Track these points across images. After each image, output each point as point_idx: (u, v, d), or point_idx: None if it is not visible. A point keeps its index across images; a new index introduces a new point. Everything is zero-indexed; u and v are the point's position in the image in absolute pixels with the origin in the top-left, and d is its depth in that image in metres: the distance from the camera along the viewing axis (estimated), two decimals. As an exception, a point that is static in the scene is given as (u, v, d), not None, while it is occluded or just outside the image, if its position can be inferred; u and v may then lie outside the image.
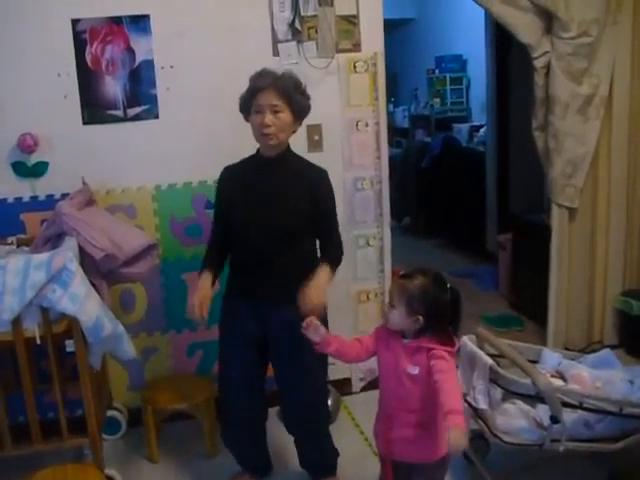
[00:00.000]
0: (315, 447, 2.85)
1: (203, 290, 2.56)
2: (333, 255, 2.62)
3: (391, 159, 3.76)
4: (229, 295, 2.72)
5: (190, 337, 3.47)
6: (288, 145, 2.61)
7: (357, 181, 3.50)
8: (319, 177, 2.62)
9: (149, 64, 3.18)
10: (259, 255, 2.55)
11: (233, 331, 2.68)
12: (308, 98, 2.59)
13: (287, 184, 2.56)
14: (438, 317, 2.11)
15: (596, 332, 4.09)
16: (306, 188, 2.56)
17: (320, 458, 2.87)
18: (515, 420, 2.63)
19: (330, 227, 2.65)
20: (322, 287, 2.44)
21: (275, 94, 2.46)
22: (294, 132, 2.61)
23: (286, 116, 2.49)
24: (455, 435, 1.88)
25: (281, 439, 3.13)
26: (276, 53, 3.26)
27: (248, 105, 2.53)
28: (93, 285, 2.65)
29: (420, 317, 2.10)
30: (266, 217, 2.52)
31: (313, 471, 2.90)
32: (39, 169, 3.15)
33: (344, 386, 3.62)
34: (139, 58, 3.17)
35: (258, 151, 2.62)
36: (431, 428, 2.18)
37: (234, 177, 2.65)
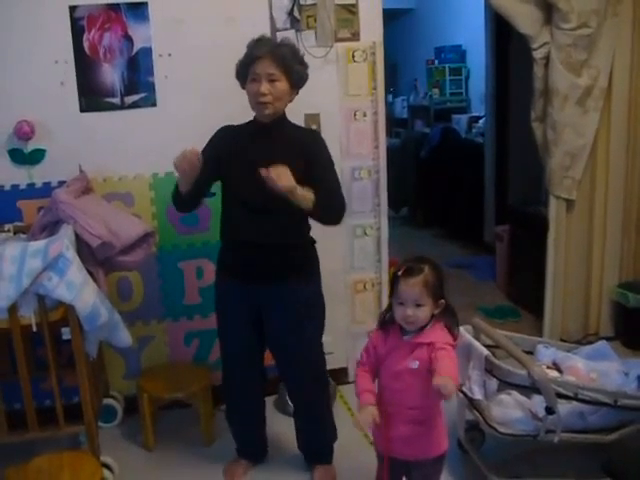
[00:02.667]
0: (315, 421, 2.85)
1: None
2: (330, 203, 2.53)
3: (389, 149, 3.75)
4: (221, 272, 2.73)
5: (187, 325, 3.47)
6: (284, 112, 2.59)
7: (355, 171, 3.50)
8: (313, 140, 2.61)
9: (147, 52, 3.17)
10: (250, 230, 2.54)
11: (228, 308, 2.70)
12: (306, 67, 2.57)
13: (281, 150, 2.53)
14: (444, 291, 2.16)
15: (592, 324, 4.10)
16: (300, 153, 2.52)
17: (319, 436, 2.88)
18: (510, 411, 2.63)
19: (333, 188, 2.57)
20: (288, 173, 2.32)
21: (272, 63, 2.43)
22: (291, 101, 2.59)
23: (283, 85, 2.47)
24: (444, 380, 1.92)
25: (278, 429, 3.15)
26: (275, 42, 3.25)
27: (245, 72, 2.51)
28: (90, 273, 2.65)
29: (442, 300, 2.14)
30: (258, 182, 2.48)
31: (310, 454, 2.92)
32: (36, 156, 3.14)
33: (340, 376, 3.62)
34: (137, 46, 3.15)
35: (255, 117, 2.60)
36: (429, 425, 2.19)
37: (229, 138, 2.63)
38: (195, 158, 2.38)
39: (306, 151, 2.54)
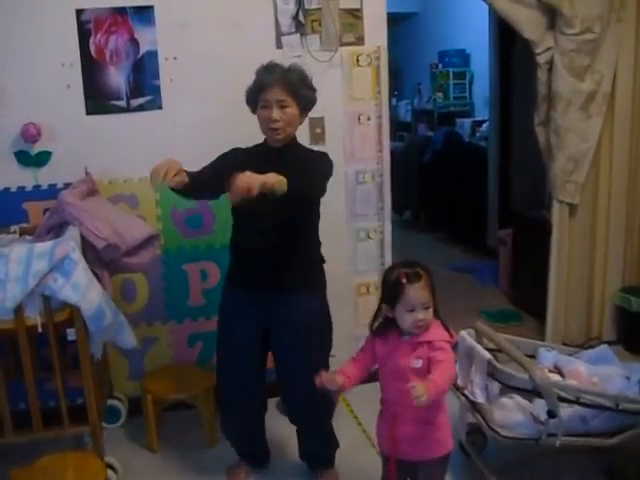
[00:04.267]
0: (316, 436, 2.86)
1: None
2: (300, 180, 2.39)
3: (393, 153, 3.76)
4: (230, 285, 2.74)
5: (190, 327, 3.49)
6: (295, 136, 2.63)
7: (358, 174, 3.51)
8: (320, 159, 2.63)
9: (153, 55, 3.19)
10: (261, 243, 2.56)
11: (234, 320, 2.69)
12: (314, 91, 2.61)
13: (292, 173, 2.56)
14: None
15: (595, 328, 4.10)
16: None
17: (320, 449, 2.89)
18: (512, 414, 2.65)
19: (310, 171, 2.51)
20: (257, 177, 2.21)
21: (282, 90, 2.47)
22: (300, 124, 2.62)
23: (293, 110, 2.51)
24: (419, 390, 1.95)
25: (280, 431, 3.15)
26: (280, 46, 3.27)
27: (255, 99, 2.55)
28: (95, 274, 2.67)
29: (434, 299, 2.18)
30: (269, 205, 2.52)
31: (312, 462, 2.93)
32: (42, 158, 3.16)
33: (343, 378, 3.63)
34: (143, 49, 3.18)
35: (265, 140, 2.63)
36: (435, 424, 2.21)
37: (241, 161, 2.62)
38: (173, 176, 2.38)
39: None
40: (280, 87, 2.47)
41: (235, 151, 2.70)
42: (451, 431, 2.29)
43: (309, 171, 2.51)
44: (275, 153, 2.59)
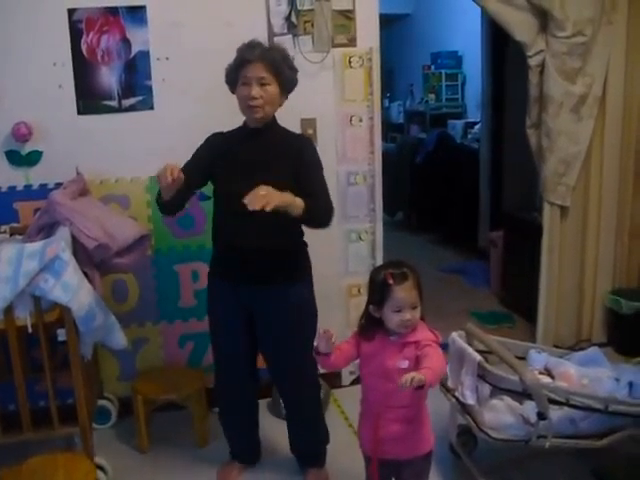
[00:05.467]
0: (308, 427, 2.87)
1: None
2: (318, 206, 2.49)
3: (385, 154, 3.76)
4: (213, 276, 2.74)
5: (181, 328, 3.48)
6: (274, 117, 2.61)
7: (350, 175, 3.52)
8: (302, 144, 2.63)
9: (145, 55, 3.18)
10: (242, 234, 2.54)
11: (221, 314, 2.71)
12: (296, 71, 2.59)
13: (271, 154, 2.55)
14: None
15: (585, 330, 4.12)
16: (290, 157, 2.55)
17: (311, 442, 2.90)
18: (502, 416, 2.65)
19: (319, 191, 2.54)
20: (271, 190, 2.28)
21: (263, 67, 2.46)
22: (280, 105, 2.60)
23: (273, 89, 2.49)
24: (414, 376, 1.92)
25: (271, 431, 3.16)
26: (272, 46, 3.27)
27: (235, 76, 2.53)
28: (85, 275, 2.66)
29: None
30: (249, 187, 2.50)
31: (302, 457, 2.94)
32: (33, 158, 3.16)
33: (334, 379, 3.64)
34: (135, 49, 3.17)
35: (245, 122, 2.62)
36: (418, 423, 2.22)
37: (220, 145, 2.64)
38: (177, 173, 2.36)
39: (296, 154, 2.56)
40: (261, 64, 2.45)
41: (215, 136, 2.69)
42: (431, 428, 2.29)
43: (319, 192, 2.53)
44: (254, 134, 2.58)
